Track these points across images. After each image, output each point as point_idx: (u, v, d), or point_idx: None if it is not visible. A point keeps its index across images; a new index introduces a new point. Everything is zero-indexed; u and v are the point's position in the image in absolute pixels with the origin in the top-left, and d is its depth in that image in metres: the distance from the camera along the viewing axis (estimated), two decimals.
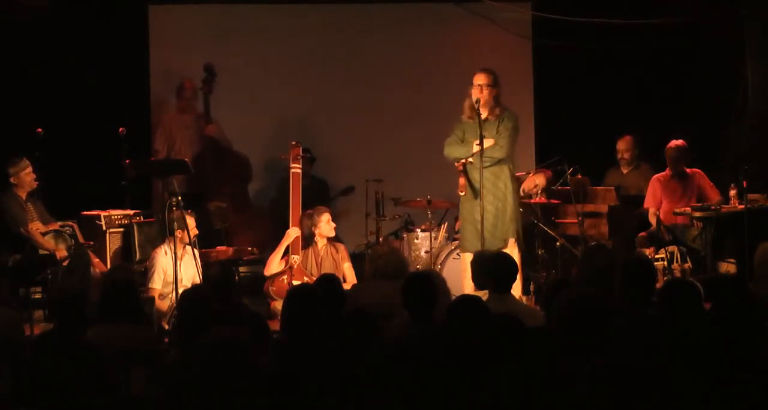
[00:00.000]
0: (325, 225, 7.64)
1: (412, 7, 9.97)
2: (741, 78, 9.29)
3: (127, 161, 8.10)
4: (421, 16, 9.96)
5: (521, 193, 7.89)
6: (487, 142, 6.99)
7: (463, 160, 7.00)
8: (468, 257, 7.23)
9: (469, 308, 4.31)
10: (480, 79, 7.06)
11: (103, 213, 8.19)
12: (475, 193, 7.03)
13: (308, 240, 7.69)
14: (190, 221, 7.26)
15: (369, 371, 3.56)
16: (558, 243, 8.13)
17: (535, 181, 8.25)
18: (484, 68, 7.15)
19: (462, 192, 7.02)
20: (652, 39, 9.58)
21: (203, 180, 8.85)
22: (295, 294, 4.75)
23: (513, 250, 6.90)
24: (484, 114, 7.05)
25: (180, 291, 6.63)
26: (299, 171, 7.65)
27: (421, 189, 8.55)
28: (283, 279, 7.42)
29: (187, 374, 3.76)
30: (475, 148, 6.96)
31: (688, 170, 8.51)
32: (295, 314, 4.62)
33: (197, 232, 7.29)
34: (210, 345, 3.64)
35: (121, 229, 8.19)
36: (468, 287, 6.99)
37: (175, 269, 7.00)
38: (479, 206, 7.00)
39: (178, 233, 7.16)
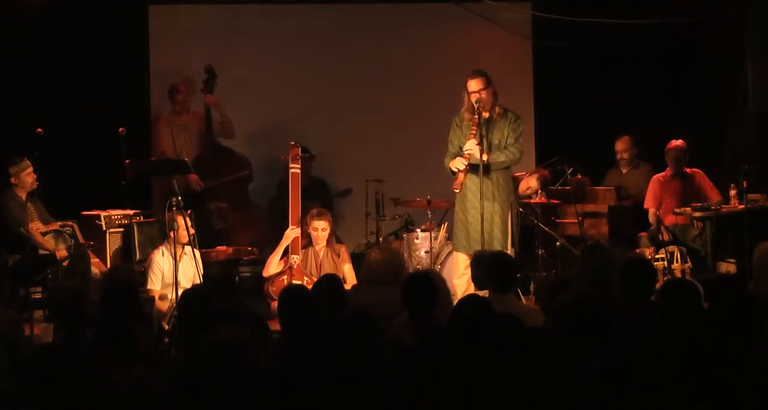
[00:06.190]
0: (313, 232, 7.61)
1: (412, 7, 9.97)
2: (741, 78, 9.29)
3: (127, 161, 8.10)
4: (421, 16, 9.96)
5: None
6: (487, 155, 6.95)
7: (467, 158, 6.93)
8: (457, 256, 7.23)
9: (476, 308, 4.32)
10: (474, 85, 6.98)
11: (103, 213, 8.19)
12: (472, 193, 7.01)
13: (308, 240, 7.69)
14: (186, 221, 7.23)
15: (369, 371, 3.56)
16: (558, 243, 8.13)
17: (529, 183, 8.26)
18: (474, 71, 7.07)
19: (457, 189, 6.98)
20: (653, 39, 9.58)
21: (203, 180, 8.84)
22: (287, 294, 4.81)
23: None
24: (485, 114, 7.03)
25: (179, 291, 6.64)
26: (298, 171, 7.64)
27: (421, 189, 8.54)
28: (283, 280, 7.41)
29: (188, 374, 3.77)
30: (474, 148, 6.92)
31: (688, 170, 8.52)
32: (290, 312, 4.65)
33: (193, 231, 7.29)
34: (211, 344, 3.64)
35: (121, 229, 8.20)
36: (460, 287, 6.99)
37: (176, 270, 7.00)
38: (474, 208, 6.99)
39: (171, 234, 7.17)
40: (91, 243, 7.95)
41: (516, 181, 7.96)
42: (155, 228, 8.06)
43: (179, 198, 6.98)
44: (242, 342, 3.66)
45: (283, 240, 7.57)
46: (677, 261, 7.90)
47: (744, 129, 9.35)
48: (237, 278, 6.98)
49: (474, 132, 6.94)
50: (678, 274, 7.75)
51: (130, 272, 6.52)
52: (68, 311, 4.79)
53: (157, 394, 3.72)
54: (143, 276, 7.36)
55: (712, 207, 8.03)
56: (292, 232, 7.53)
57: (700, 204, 8.13)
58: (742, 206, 7.79)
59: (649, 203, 8.50)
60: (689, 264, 7.90)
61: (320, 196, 9.17)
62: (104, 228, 8.14)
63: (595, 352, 3.67)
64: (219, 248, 8.36)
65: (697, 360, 3.67)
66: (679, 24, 9.35)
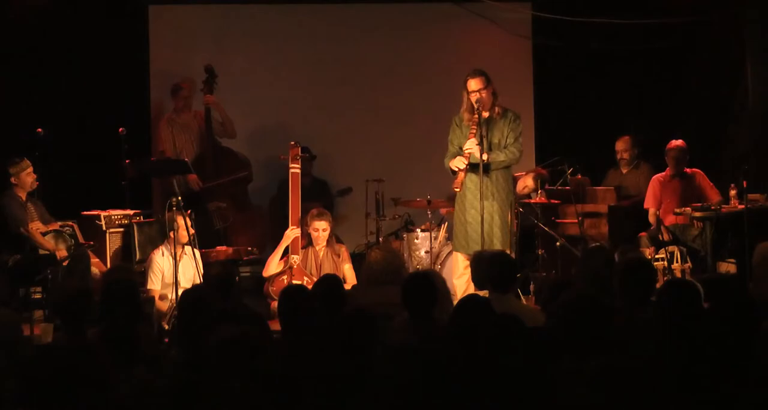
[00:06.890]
0: (313, 233, 7.62)
1: (412, 7, 9.97)
2: (741, 78, 9.29)
3: (127, 161, 8.11)
4: (421, 16, 9.95)
5: None
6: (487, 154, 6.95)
7: (467, 157, 6.92)
8: (457, 256, 7.22)
9: (476, 308, 4.32)
10: (474, 85, 6.97)
11: (103, 213, 8.19)
12: (472, 193, 7.00)
13: (308, 240, 7.69)
14: (186, 221, 7.23)
15: (369, 371, 3.56)
16: (558, 243, 8.13)
17: (526, 182, 8.26)
18: (474, 71, 7.06)
19: (457, 188, 6.98)
20: (652, 39, 9.58)
21: (203, 180, 8.83)
22: (286, 294, 4.83)
23: None
24: (485, 114, 7.04)
25: (179, 291, 6.64)
26: (298, 171, 7.65)
27: (421, 189, 8.55)
28: (283, 280, 7.42)
29: (189, 374, 3.77)
30: (474, 148, 6.91)
31: (688, 170, 8.51)
32: (290, 312, 4.65)
33: (193, 231, 7.30)
34: (218, 343, 3.65)
35: (121, 229, 8.20)
36: (459, 287, 6.98)
37: (176, 270, 7.00)
38: (473, 208, 6.98)
39: (171, 234, 7.18)
40: (91, 243, 7.95)
41: (515, 181, 7.96)
42: (155, 228, 8.06)
43: (179, 198, 6.98)
44: (251, 341, 3.67)
45: (283, 240, 7.57)
46: (677, 261, 7.90)
47: (744, 129, 9.35)
48: (237, 278, 6.99)
49: (474, 131, 6.94)
50: (678, 274, 7.75)
51: (130, 272, 6.52)
52: (69, 311, 4.79)
53: (158, 394, 3.72)
54: (143, 276, 7.36)
55: (712, 208, 8.02)
56: (292, 232, 7.54)
57: (700, 204, 8.12)
58: (742, 206, 7.79)
59: (649, 203, 8.50)
60: (689, 264, 7.90)
61: (321, 197, 9.16)
62: (104, 228, 8.13)
63: (595, 352, 3.67)
64: (219, 248, 8.35)
65: (697, 360, 3.67)
66: (679, 24, 9.35)
